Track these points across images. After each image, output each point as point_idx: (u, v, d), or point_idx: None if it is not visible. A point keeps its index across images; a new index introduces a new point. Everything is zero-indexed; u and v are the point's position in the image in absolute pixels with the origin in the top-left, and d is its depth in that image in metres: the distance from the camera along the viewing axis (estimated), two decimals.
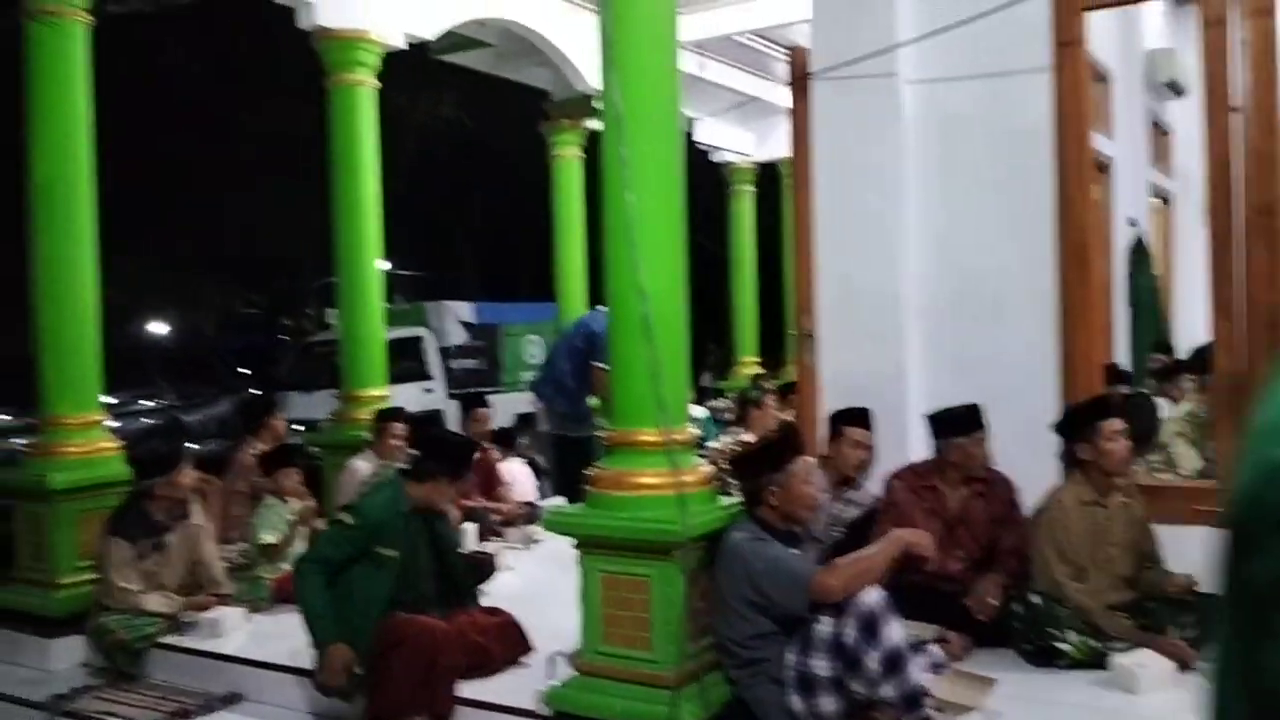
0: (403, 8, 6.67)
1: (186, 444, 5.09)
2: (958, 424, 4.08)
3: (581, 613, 3.58)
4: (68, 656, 4.81)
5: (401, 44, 6.73)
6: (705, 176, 9.88)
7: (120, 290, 18.20)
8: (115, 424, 5.85)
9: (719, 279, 12.18)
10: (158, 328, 23.32)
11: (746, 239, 11.88)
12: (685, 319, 3.65)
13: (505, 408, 10.51)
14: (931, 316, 4.49)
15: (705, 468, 3.73)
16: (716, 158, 11.66)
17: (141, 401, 9.97)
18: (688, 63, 3.58)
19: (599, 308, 7.40)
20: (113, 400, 5.42)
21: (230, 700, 4.35)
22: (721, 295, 12.12)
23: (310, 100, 8.16)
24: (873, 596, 3.20)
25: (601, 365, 6.41)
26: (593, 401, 6.81)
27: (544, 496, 7.33)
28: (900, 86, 4.43)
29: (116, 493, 4.94)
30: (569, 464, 7.22)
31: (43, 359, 5.09)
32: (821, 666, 3.24)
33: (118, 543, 4.63)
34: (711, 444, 6.34)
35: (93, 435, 5.13)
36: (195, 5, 5.39)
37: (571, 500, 6.83)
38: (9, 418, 9.22)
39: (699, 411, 7.58)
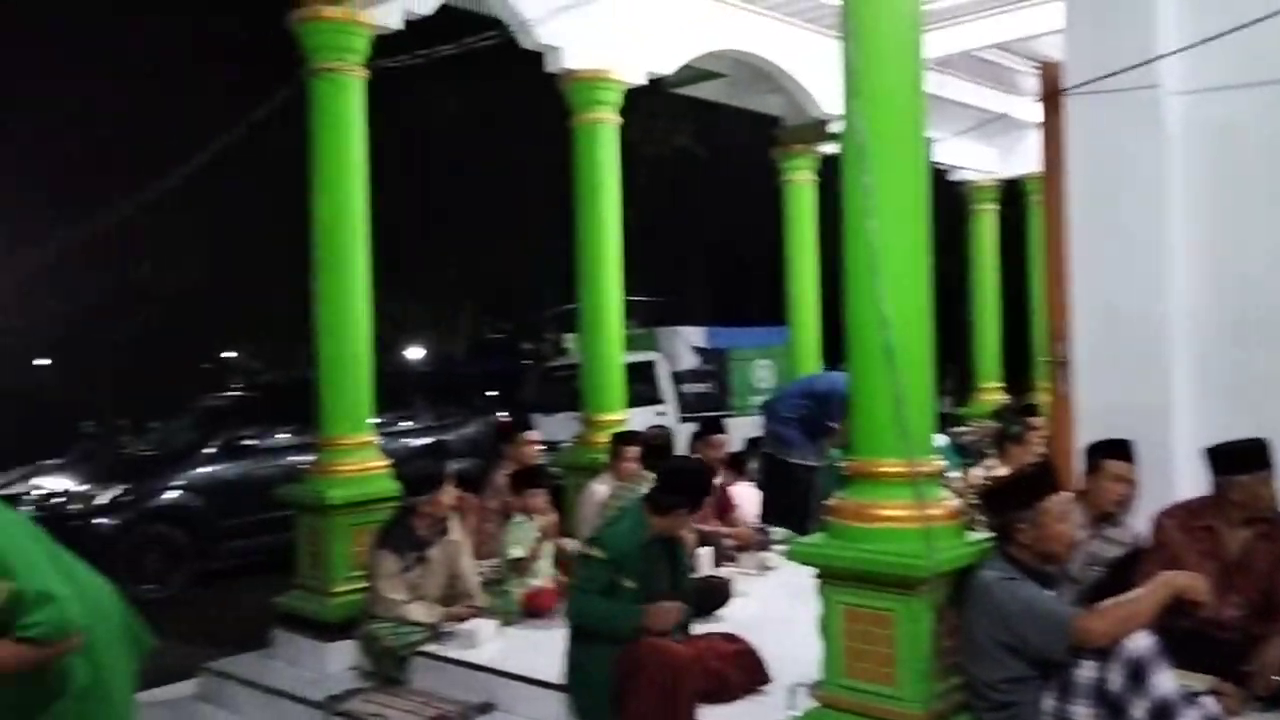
0: (644, 47, 6.90)
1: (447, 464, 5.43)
2: (1242, 459, 3.75)
3: (822, 644, 3.54)
4: (341, 660, 5.21)
5: (642, 81, 6.96)
6: (943, 195, 9.62)
7: (384, 320, 19.63)
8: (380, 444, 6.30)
9: (956, 300, 11.78)
10: (415, 354, 24.98)
11: (988, 259, 11.44)
12: (930, 347, 3.57)
13: (735, 432, 10.57)
14: (1203, 342, 4.16)
15: (952, 501, 3.62)
16: (955, 176, 11.30)
17: (401, 423, 10.69)
18: (927, 81, 3.49)
19: (832, 372, 7.36)
20: (377, 421, 5.84)
21: (484, 709, 4.58)
22: (960, 317, 11.71)
23: (552, 139, 8.55)
24: (1142, 642, 3.00)
25: (835, 425, 6.39)
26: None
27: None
28: (1164, 98, 4.16)
29: (384, 508, 5.33)
30: (777, 486, 7.20)
31: (321, 385, 5.57)
32: (1082, 714, 3.07)
33: (386, 555, 4.99)
34: (953, 474, 6.13)
35: (364, 455, 5.57)
36: (457, 56, 5.85)
37: (777, 523, 6.83)
38: (289, 436, 10.11)
39: (940, 440, 7.34)
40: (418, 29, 5.81)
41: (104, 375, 22.92)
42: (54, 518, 9.04)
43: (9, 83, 15.07)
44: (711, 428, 7.32)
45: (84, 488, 9.64)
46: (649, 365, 12.96)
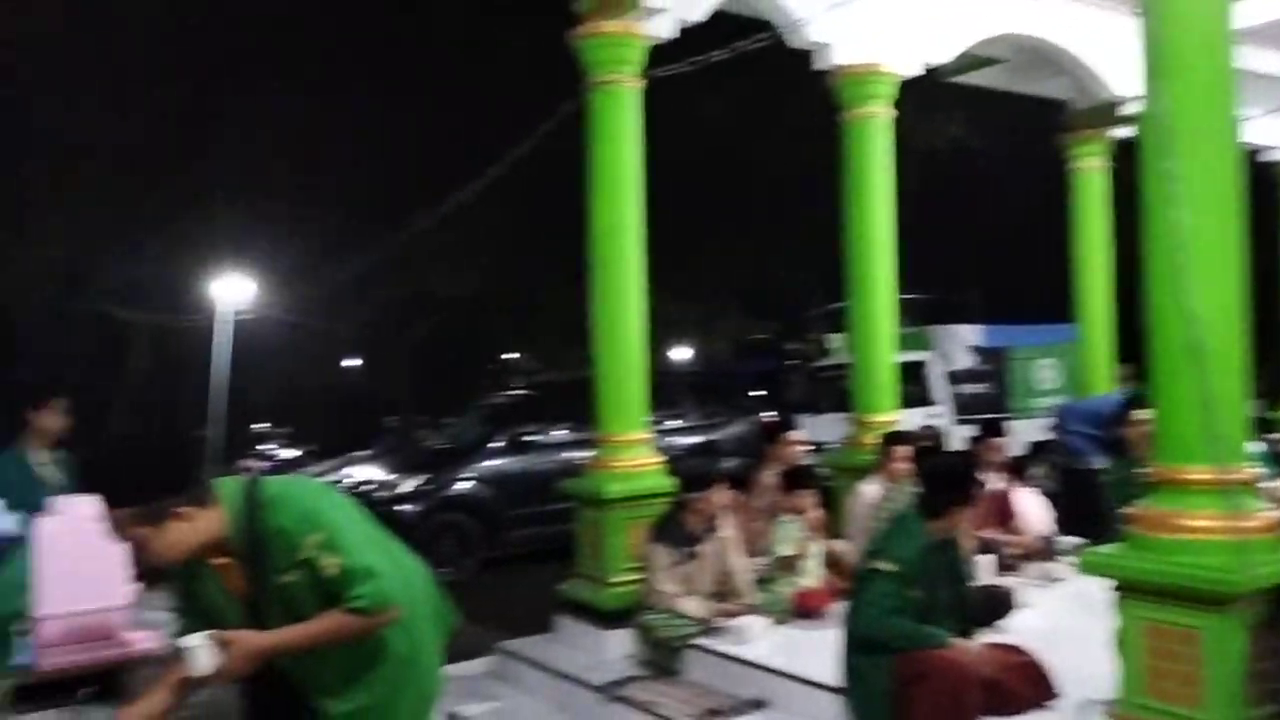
0: (918, 37, 6.72)
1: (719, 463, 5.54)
2: None
3: (1119, 661, 3.33)
4: (618, 647, 5.42)
5: (917, 72, 6.79)
6: (1256, 179, 8.74)
7: (652, 319, 20.15)
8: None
9: (1268, 292, 10.63)
10: (681, 354, 25.52)
11: None
12: (1244, 345, 3.27)
13: (1016, 435, 10.06)
14: None
15: (1271, 512, 3.29)
16: (1266, 157, 10.22)
17: (670, 422, 10.96)
18: (1237, 55, 3.18)
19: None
20: (649, 419, 6.03)
21: (757, 705, 4.62)
22: (1271, 311, 10.56)
23: (818, 137, 8.48)
24: None
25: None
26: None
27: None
28: None
29: (658, 503, 5.49)
30: (1077, 498, 6.76)
31: (598, 384, 5.81)
32: None
33: (659, 549, 5.15)
34: (1269, 484, 5.56)
35: (639, 451, 5.76)
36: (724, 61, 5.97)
37: (1083, 537, 6.40)
38: (566, 432, 10.62)
39: (1254, 446, 6.69)
40: (688, 34, 5.95)
41: (403, 375, 24.94)
42: (364, 504, 9.93)
43: (327, 112, 16.65)
44: (990, 430, 7.03)
45: (389, 477, 10.55)
46: (921, 365, 12.58)
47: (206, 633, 2.50)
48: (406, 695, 2.73)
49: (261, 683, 2.65)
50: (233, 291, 16.26)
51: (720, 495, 5.26)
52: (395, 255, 16.63)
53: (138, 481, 2.57)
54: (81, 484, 4.18)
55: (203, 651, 2.46)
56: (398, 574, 2.64)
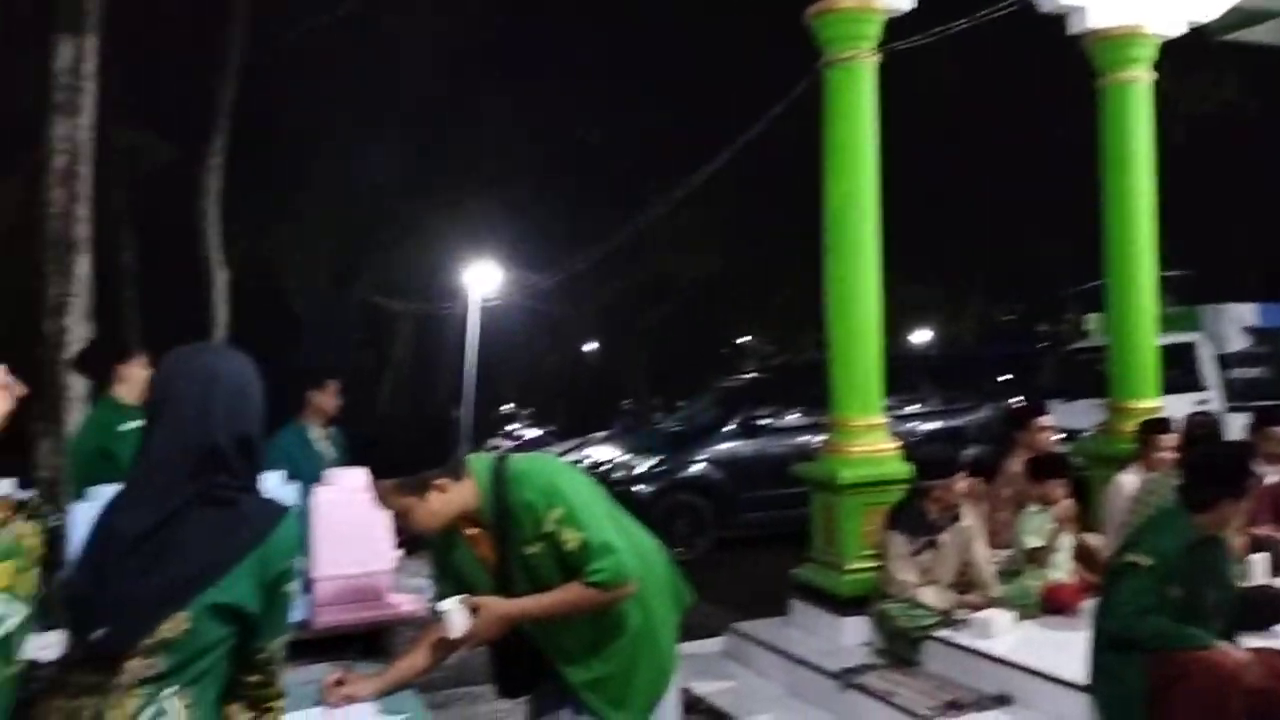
0: None
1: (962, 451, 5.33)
2: None
3: None
4: (854, 634, 5.34)
5: (1180, 31, 6.26)
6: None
7: (890, 302, 19.68)
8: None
9: None
10: (920, 337, 24.75)
11: None
12: None
13: None
14: None
15: None
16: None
17: (909, 407, 10.68)
18: None
19: None
20: (885, 405, 5.88)
21: (1001, 701, 4.45)
22: None
23: (1070, 105, 7.98)
24: None
25: None
26: None
27: None
28: None
29: (895, 489, 5.37)
30: None
31: (832, 367, 5.73)
32: None
33: (896, 536, 5.03)
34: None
35: (875, 436, 5.64)
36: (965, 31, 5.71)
37: None
38: (799, 416, 10.57)
39: None
40: (925, 5, 5.74)
41: (640, 358, 25.53)
42: (601, 483, 10.28)
43: (569, 101, 17.20)
44: (1267, 418, 6.40)
45: (625, 457, 10.86)
46: (1188, 348, 11.62)
47: (459, 598, 2.65)
48: (643, 668, 2.80)
49: (509, 647, 2.78)
50: (482, 280, 17.17)
51: (962, 483, 5.07)
52: (634, 241, 17.08)
53: (400, 457, 2.75)
54: (351, 458, 4.56)
55: (456, 615, 2.61)
56: (634, 551, 2.71)
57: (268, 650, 1.96)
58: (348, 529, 3.27)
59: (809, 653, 5.30)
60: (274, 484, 3.28)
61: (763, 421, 10.57)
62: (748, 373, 13.05)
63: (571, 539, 2.61)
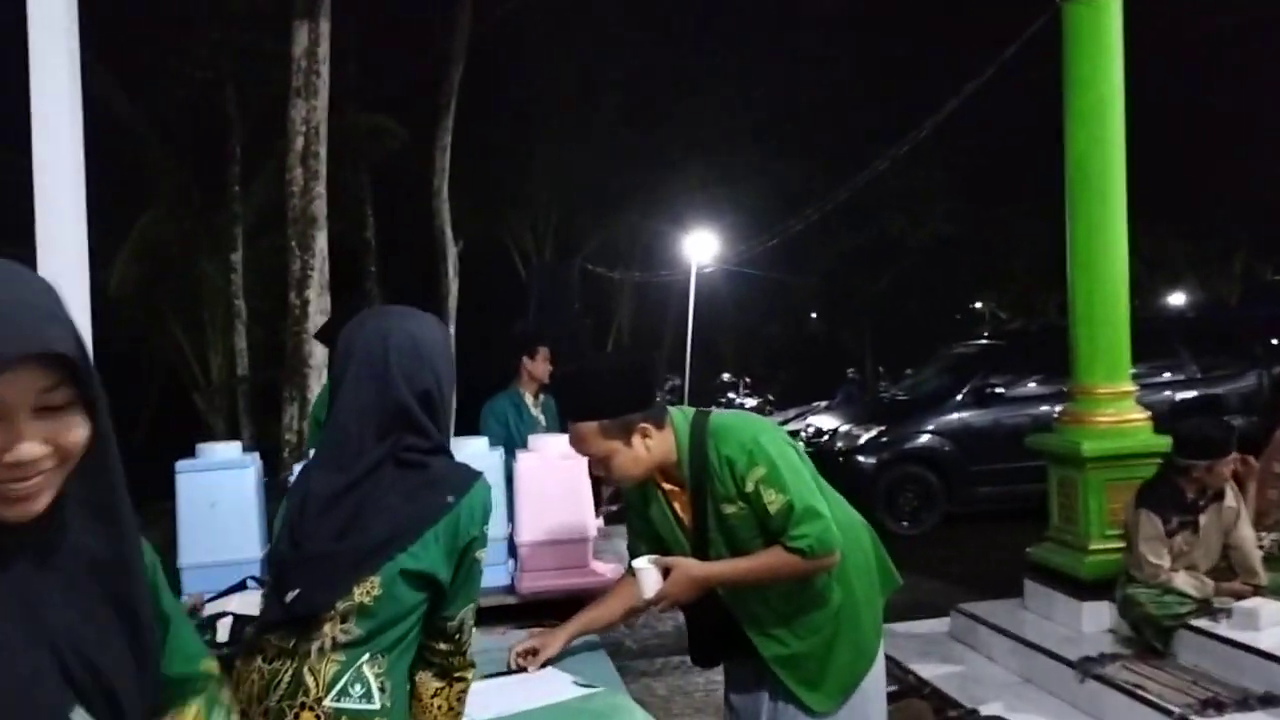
0: None
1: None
2: None
3: None
4: (1096, 620, 4.91)
5: None
6: None
7: (1140, 261, 18.25)
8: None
9: None
10: (1176, 299, 22.80)
11: None
12: None
13: None
14: None
15: None
16: None
17: (1164, 374, 9.79)
18: None
19: None
20: (1135, 372, 5.34)
21: (1269, 701, 3.97)
22: None
23: None
24: None
25: None
26: None
27: None
28: None
29: (1146, 464, 4.87)
30: None
31: (1075, 329, 5.25)
32: None
33: (1149, 516, 4.55)
34: None
35: (1123, 405, 5.14)
36: None
37: None
38: (1036, 384, 9.90)
39: None
40: None
41: (865, 324, 24.87)
42: (822, 452, 10.05)
43: (786, 63, 16.85)
44: None
45: (847, 427, 10.53)
46: None
47: (652, 557, 2.54)
48: (841, 649, 2.61)
49: (703, 613, 2.66)
50: (701, 247, 17.12)
51: (1230, 467, 4.52)
52: (860, 203, 16.55)
53: (601, 395, 2.65)
54: (560, 423, 4.57)
55: (649, 574, 2.49)
56: (839, 524, 2.52)
57: (458, 618, 1.92)
58: (551, 495, 3.24)
59: (1045, 638, 4.92)
60: (479, 449, 3.29)
61: (996, 390, 9.96)
62: (979, 338, 12.31)
63: (774, 500, 2.43)
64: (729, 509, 2.49)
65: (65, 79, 3.10)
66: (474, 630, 2.06)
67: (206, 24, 11.26)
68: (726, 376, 19.25)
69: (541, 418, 5.51)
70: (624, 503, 2.74)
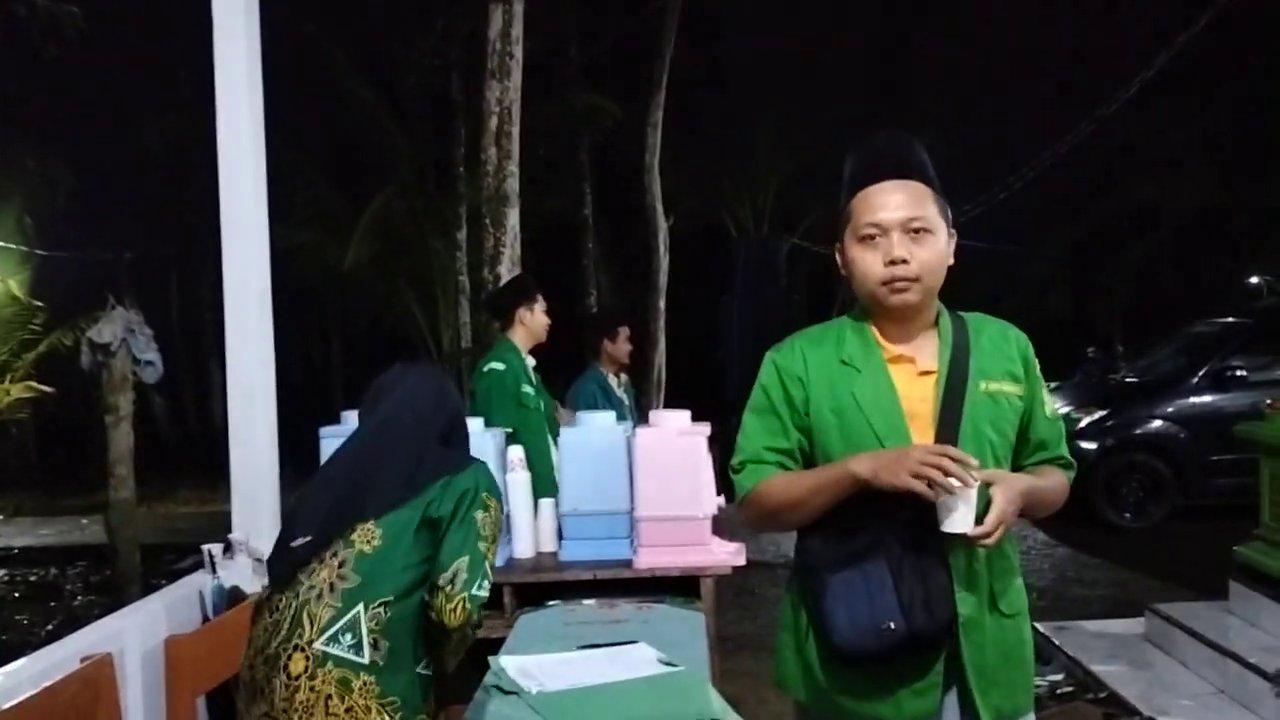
0: None
1: None
2: None
3: None
4: None
5: None
6: None
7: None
8: None
9: None
10: None
11: None
12: None
13: None
14: None
15: None
16: None
17: None
18: None
19: None
20: None
21: None
22: None
23: None
24: None
25: None
26: None
27: None
28: None
29: None
30: None
31: None
32: None
33: None
34: None
35: None
36: None
37: None
38: (1244, 370, 8.99)
39: None
40: None
41: (1115, 300, 23.16)
42: None
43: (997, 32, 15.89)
44: None
45: (1067, 409, 9.89)
46: None
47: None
48: (1028, 643, 2.00)
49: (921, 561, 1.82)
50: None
51: None
52: (1106, 169, 15.35)
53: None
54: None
55: (962, 500, 1.73)
56: None
57: (451, 569, 2.03)
58: (670, 470, 3.26)
59: (1244, 646, 4.47)
60: (475, 429, 3.34)
61: (1239, 372, 9.06)
62: (1228, 317, 11.20)
63: (1049, 402, 2.00)
64: (1001, 388, 1.90)
65: (244, 75, 3.38)
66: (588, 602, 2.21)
67: (434, 11, 11.92)
68: None
69: (625, 398, 5.46)
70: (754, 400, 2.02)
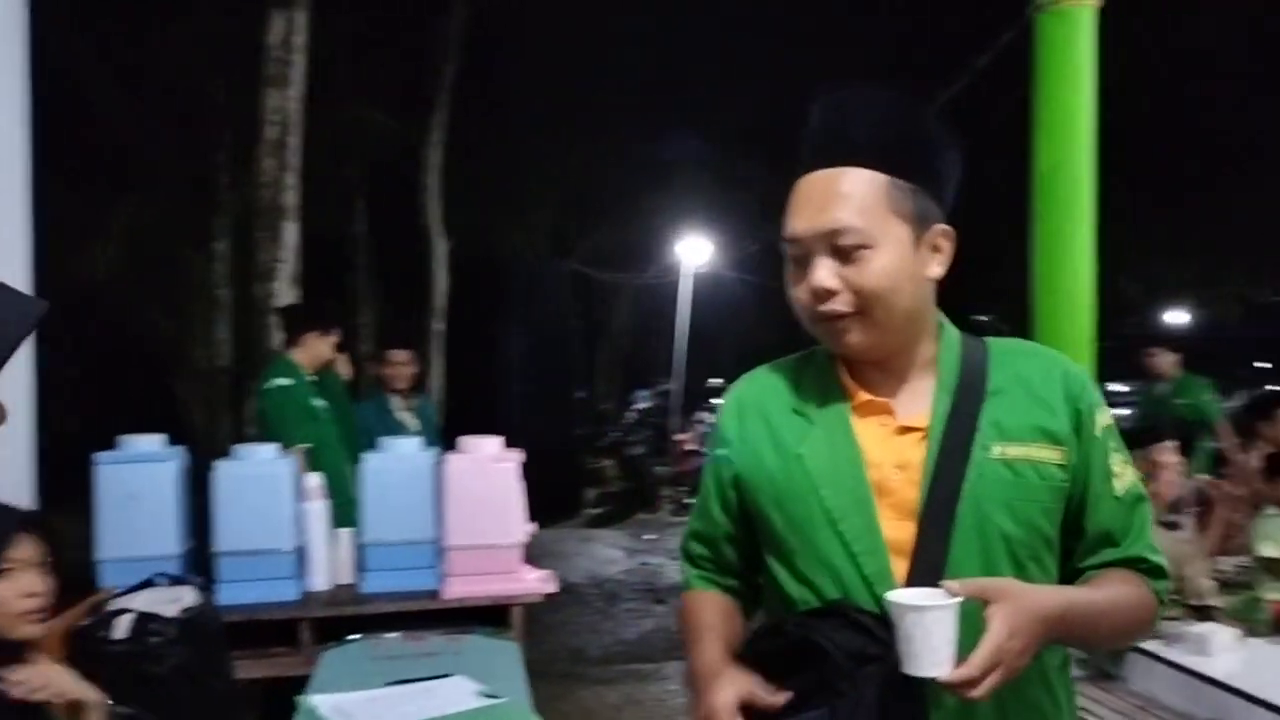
0: None
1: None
2: None
3: None
4: None
5: None
6: None
7: (1134, 278, 18.17)
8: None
9: None
10: (1174, 317, 22.70)
11: None
12: None
13: None
14: None
15: None
16: None
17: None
18: None
19: None
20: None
21: None
22: None
23: None
24: None
25: None
26: None
27: None
28: None
29: None
30: None
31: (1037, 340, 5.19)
32: None
33: None
34: None
35: None
36: None
37: None
38: None
39: None
40: None
41: None
42: None
43: (778, 64, 16.75)
44: None
45: None
46: None
47: (925, 590, 1.21)
48: None
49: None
50: (695, 250, 17.07)
51: (1169, 473, 4.47)
52: None
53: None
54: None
55: (936, 621, 1.15)
56: None
57: None
58: (480, 498, 3.20)
59: None
60: (269, 455, 3.25)
61: None
62: None
63: (1124, 471, 1.36)
64: (1027, 454, 1.30)
65: (13, 77, 3.07)
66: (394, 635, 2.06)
67: (196, 10, 11.24)
68: (720, 381, 19.19)
69: (414, 422, 5.27)
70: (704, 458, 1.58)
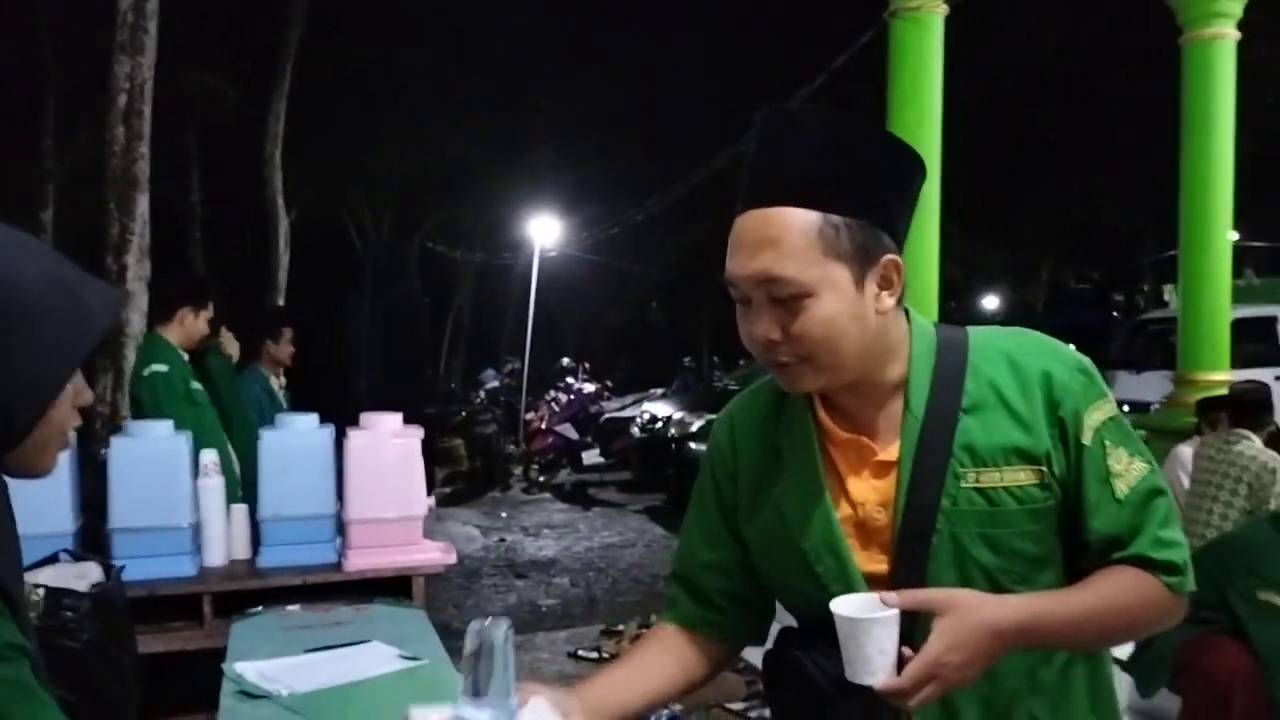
0: None
1: None
2: None
3: None
4: None
5: None
6: None
7: (957, 264, 19.26)
8: None
9: None
10: (989, 302, 24.23)
11: None
12: None
13: None
14: None
15: None
16: None
17: None
18: None
19: None
20: None
21: None
22: None
23: (1152, 64, 7.65)
24: None
25: None
26: None
27: None
28: None
29: None
30: None
31: None
32: None
33: None
34: None
35: None
36: None
37: None
38: None
39: None
40: None
41: (701, 315, 25.40)
42: (655, 439, 10.28)
43: (632, 57, 16.96)
44: None
45: (680, 415, 10.81)
46: (1270, 321, 11.22)
47: (867, 595, 1.21)
48: None
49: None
50: (545, 232, 17.16)
51: None
52: (698, 197, 16.88)
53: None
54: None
55: (872, 630, 1.14)
56: None
57: None
58: (382, 472, 3.27)
59: None
60: (165, 432, 3.27)
61: None
62: None
63: (1128, 469, 1.27)
64: (1000, 479, 1.24)
65: None
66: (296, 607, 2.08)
67: None
68: (566, 361, 19.39)
69: (285, 401, 5.32)
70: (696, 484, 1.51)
